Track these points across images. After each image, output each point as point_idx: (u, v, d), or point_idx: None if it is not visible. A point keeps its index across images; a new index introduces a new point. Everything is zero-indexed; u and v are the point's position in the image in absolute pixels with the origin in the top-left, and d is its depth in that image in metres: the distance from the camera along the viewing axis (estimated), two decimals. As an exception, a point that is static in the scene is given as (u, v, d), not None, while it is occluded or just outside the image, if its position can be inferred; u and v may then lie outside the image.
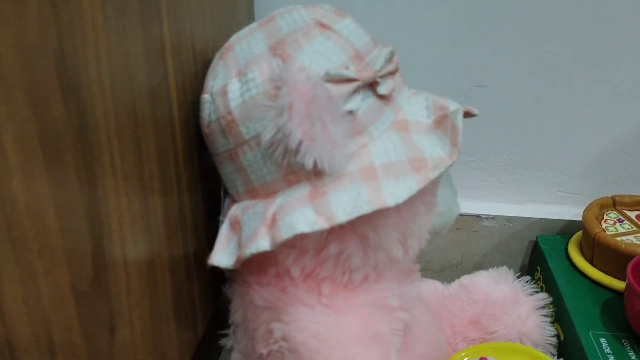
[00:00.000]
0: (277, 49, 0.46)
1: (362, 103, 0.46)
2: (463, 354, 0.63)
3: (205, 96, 0.48)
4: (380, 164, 0.44)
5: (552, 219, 0.83)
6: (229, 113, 0.46)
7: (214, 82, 0.48)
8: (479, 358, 0.61)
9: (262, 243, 0.43)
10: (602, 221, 0.75)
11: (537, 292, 0.69)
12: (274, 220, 0.44)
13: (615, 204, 0.79)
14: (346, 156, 0.44)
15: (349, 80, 0.44)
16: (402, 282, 0.52)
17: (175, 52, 0.44)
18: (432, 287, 0.73)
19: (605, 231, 0.72)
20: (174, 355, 0.48)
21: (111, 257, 0.36)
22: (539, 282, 0.78)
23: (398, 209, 0.46)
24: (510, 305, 0.67)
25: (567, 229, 0.82)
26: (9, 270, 0.26)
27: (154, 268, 0.42)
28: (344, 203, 0.42)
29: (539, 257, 0.79)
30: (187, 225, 0.49)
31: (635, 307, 0.59)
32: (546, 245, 0.79)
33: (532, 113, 0.79)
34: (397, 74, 0.50)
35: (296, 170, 0.44)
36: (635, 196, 0.79)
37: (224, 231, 0.49)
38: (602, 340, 0.62)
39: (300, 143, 0.42)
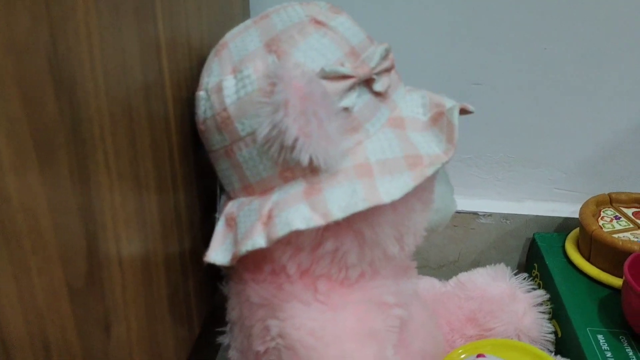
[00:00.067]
0: (272, 46, 0.45)
1: (357, 100, 0.46)
2: (460, 350, 0.63)
3: (201, 93, 0.48)
4: (376, 160, 0.44)
5: (549, 216, 0.83)
6: (225, 110, 0.46)
7: (209, 79, 0.47)
8: (476, 355, 0.61)
9: (257, 240, 0.43)
10: (599, 218, 0.76)
11: (534, 289, 0.69)
12: (269, 217, 0.44)
13: (612, 201, 0.79)
14: (342, 153, 0.44)
15: (345, 77, 0.44)
16: (399, 279, 0.52)
17: (170, 49, 0.44)
18: (429, 284, 0.73)
19: (602, 228, 0.72)
20: (170, 353, 0.48)
21: (106, 254, 0.35)
22: (536, 279, 0.78)
23: (394, 205, 0.46)
24: (508, 302, 0.67)
25: (564, 226, 0.83)
26: (2, 268, 0.26)
27: (149, 265, 0.42)
28: (339, 200, 0.42)
29: (536, 254, 0.79)
30: (183, 223, 0.49)
31: (633, 303, 0.59)
32: (543, 243, 0.79)
33: (529, 110, 0.79)
34: (393, 71, 0.50)
35: (292, 166, 0.44)
36: (632, 193, 0.79)
37: (219, 228, 0.49)
38: (600, 337, 0.62)
39: (295, 139, 0.42)
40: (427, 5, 0.74)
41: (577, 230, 0.78)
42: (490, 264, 0.73)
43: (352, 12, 0.51)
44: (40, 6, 0.27)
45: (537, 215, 0.83)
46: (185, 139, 0.49)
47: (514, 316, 0.66)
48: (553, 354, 0.66)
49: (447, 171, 0.57)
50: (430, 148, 0.46)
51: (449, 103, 0.48)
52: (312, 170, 0.44)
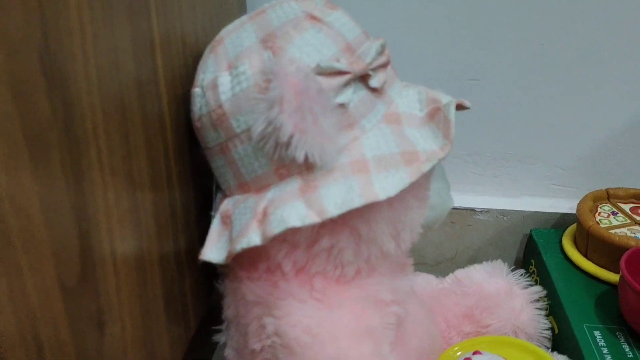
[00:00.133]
0: (267, 42, 0.45)
1: (353, 96, 0.45)
2: (456, 347, 0.63)
3: (196, 90, 0.48)
4: (372, 156, 0.44)
5: (547, 212, 0.83)
6: (220, 106, 0.45)
7: (204, 75, 0.47)
8: (472, 352, 0.61)
9: (253, 238, 0.43)
10: (596, 214, 0.75)
11: (531, 285, 0.69)
12: (265, 215, 0.44)
13: (609, 196, 0.79)
14: (337, 149, 0.44)
15: (340, 72, 0.44)
16: (395, 276, 0.52)
17: (164, 45, 0.44)
18: (426, 281, 0.73)
19: (599, 224, 0.72)
20: (165, 352, 0.48)
21: (99, 252, 0.35)
22: (533, 275, 0.78)
23: (390, 202, 0.46)
24: (505, 298, 0.67)
25: (562, 222, 0.82)
26: (-7, 267, 0.26)
27: (143, 264, 0.42)
28: (335, 196, 0.42)
29: (533, 250, 0.79)
30: (178, 221, 0.49)
31: (629, 300, 0.59)
32: (540, 239, 0.79)
33: (526, 106, 0.79)
34: (389, 67, 0.49)
35: (287, 163, 0.44)
36: (629, 189, 0.79)
37: (215, 226, 0.49)
38: (597, 333, 0.62)
39: (291, 136, 0.41)
40: (424, 1, 0.74)
41: (574, 226, 0.78)
42: (487, 260, 0.73)
43: (348, 8, 0.51)
44: (32, 3, 0.27)
45: (534, 211, 0.83)
46: (180, 137, 0.48)
47: (510, 313, 0.66)
48: (550, 350, 0.66)
49: (443, 167, 0.57)
50: (427, 144, 0.46)
51: (445, 99, 0.48)
52: (308, 167, 0.44)
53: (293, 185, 0.44)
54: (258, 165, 0.46)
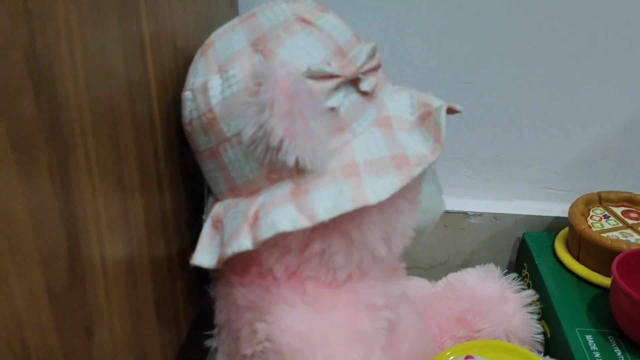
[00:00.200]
0: (258, 45, 0.45)
1: (344, 100, 0.45)
2: (449, 352, 0.63)
3: (187, 93, 0.47)
4: (363, 161, 0.44)
5: (539, 216, 0.83)
6: (210, 110, 0.45)
7: (194, 78, 0.47)
8: (464, 356, 0.61)
9: (243, 242, 0.43)
10: (588, 217, 0.75)
11: (523, 289, 0.69)
12: (255, 219, 0.44)
13: (601, 200, 0.79)
14: (328, 153, 0.44)
15: (331, 76, 0.44)
16: (387, 280, 0.52)
17: (155, 47, 0.44)
18: (419, 285, 0.73)
19: (591, 227, 0.72)
20: (156, 357, 0.47)
21: (88, 257, 0.35)
22: (526, 279, 0.78)
23: (381, 206, 0.46)
24: (497, 302, 0.67)
25: (554, 225, 0.83)
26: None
27: (134, 268, 0.42)
28: (326, 201, 0.42)
29: (525, 254, 0.79)
30: (169, 225, 0.48)
31: (621, 303, 0.59)
32: (533, 242, 0.79)
33: (519, 110, 0.79)
34: (380, 70, 0.49)
35: (278, 167, 0.44)
36: (621, 192, 0.79)
37: (206, 230, 0.49)
38: (588, 337, 0.62)
39: (281, 140, 0.41)
40: (416, 4, 0.74)
41: (566, 229, 0.78)
42: (480, 264, 0.73)
43: (340, 11, 0.51)
44: (17, 3, 0.27)
45: (527, 215, 0.83)
46: (171, 140, 0.48)
47: (503, 317, 0.66)
48: (542, 354, 0.66)
49: (436, 171, 0.57)
50: (418, 148, 0.46)
51: (436, 102, 0.48)
52: (299, 171, 0.44)
53: (284, 189, 0.44)
54: (249, 169, 0.45)
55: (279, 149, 0.42)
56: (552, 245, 0.77)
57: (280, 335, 0.45)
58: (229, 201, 0.48)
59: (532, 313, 0.68)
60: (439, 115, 0.46)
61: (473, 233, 0.85)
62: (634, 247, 0.65)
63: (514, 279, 0.70)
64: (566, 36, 0.74)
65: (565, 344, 0.62)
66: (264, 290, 0.48)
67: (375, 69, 0.48)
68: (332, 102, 0.44)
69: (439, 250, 0.87)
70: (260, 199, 0.45)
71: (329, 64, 0.44)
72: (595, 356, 0.59)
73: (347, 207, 0.41)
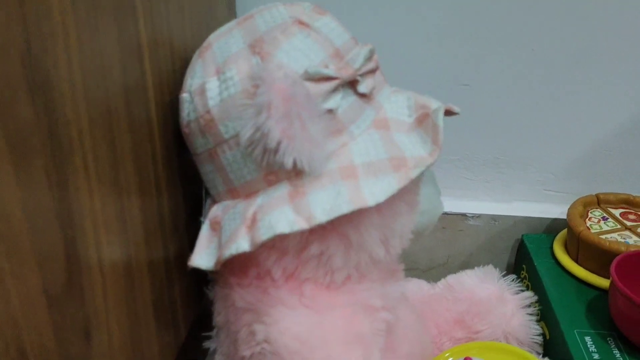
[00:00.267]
0: (255, 47, 0.45)
1: (342, 102, 0.45)
2: (447, 354, 0.63)
3: (184, 95, 0.47)
4: (361, 162, 0.44)
5: (538, 217, 0.83)
6: (208, 112, 0.45)
7: (192, 80, 0.47)
8: (463, 358, 0.61)
9: (241, 244, 0.43)
10: (587, 219, 0.75)
11: (522, 290, 0.69)
12: (253, 221, 0.44)
13: (599, 201, 0.79)
14: (326, 155, 0.44)
15: (329, 78, 0.44)
16: (385, 282, 0.52)
17: (152, 49, 0.44)
18: (417, 287, 0.73)
19: (589, 229, 0.72)
20: (155, 359, 0.47)
21: (85, 259, 0.35)
22: (524, 280, 0.78)
23: (379, 208, 0.46)
24: (496, 304, 0.67)
25: (553, 227, 0.83)
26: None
27: (131, 270, 0.42)
28: (323, 203, 0.42)
29: (524, 255, 0.79)
30: (167, 227, 0.48)
31: (620, 305, 0.59)
32: (532, 244, 0.79)
33: (517, 112, 0.79)
34: (378, 72, 0.49)
35: (276, 169, 0.44)
36: (619, 194, 0.79)
37: (204, 232, 0.49)
38: (587, 338, 0.62)
39: (279, 142, 0.41)
40: (414, 6, 0.74)
41: (565, 231, 0.78)
42: (479, 265, 0.73)
43: (338, 13, 0.51)
44: (13, 5, 0.27)
45: (526, 217, 0.83)
46: (169, 142, 0.48)
47: (502, 318, 0.66)
48: (541, 356, 0.66)
49: (434, 172, 0.57)
50: (416, 150, 0.46)
51: (434, 104, 0.48)
52: (297, 173, 0.44)
53: (282, 191, 0.44)
54: (247, 171, 0.45)
55: (276, 150, 0.42)
56: (551, 247, 0.77)
57: (278, 336, 0.45)
58: (227, 203, 0.48)
59: (531, 314, 0.68)
60: (436, 117, 0.46)
61: (472, 235, 0.85)
62: (632, 249, 0.65)
63: (513, 280, 0.70)
64: (564, 39, 0.74)
65: (564, 345, 0.62)
66: (262, 292, 0.48)
67: (373, 71, 0.48)
68: (330, 104, 0.44)
69: (438, 252, 0.87)
70: (258, 200, 0.45)
71: (326, 66, 0.45)
72: (594, 357, 0.59)
73: (345, 209, 0.41)
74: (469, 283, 0.70)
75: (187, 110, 0.47)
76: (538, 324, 0.68)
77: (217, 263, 0.45)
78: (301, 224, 0.41)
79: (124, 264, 0.40)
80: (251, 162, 0.45)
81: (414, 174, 0.44)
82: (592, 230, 0.72)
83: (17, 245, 0.28)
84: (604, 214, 0.77)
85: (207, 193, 0.52)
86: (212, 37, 0.49)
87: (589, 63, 0.76)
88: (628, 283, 0.58)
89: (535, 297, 0.70)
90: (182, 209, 0.52)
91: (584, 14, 0.73)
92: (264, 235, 0.42)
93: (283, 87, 0.41)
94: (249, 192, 0.46)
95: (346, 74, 0.45)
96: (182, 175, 0.51)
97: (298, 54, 0.44)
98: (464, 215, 0.84)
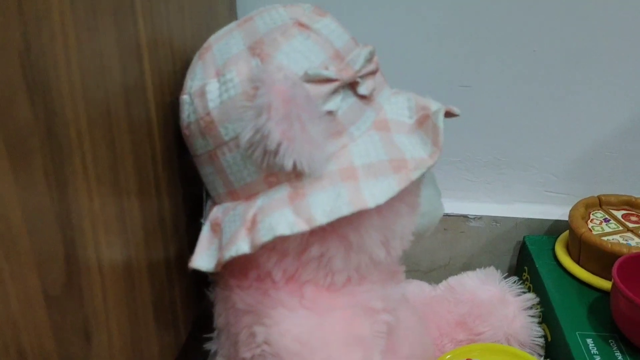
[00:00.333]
0: (255, 49, 0.45)
1: (342, 103, 0.45)
2: (448, 356, 0.63)
3: (184, 97, 0.47)
4: (361, 164, 0.44)
5: (539, 219, 0.83)
6: (208, 114, 0.45)
7: (192, 82, 0.47)
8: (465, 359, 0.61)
9: (241, 246, 0.43)
10: (589, 221, 0.75)
11: (524, 292, 0.69)
12: (253, 223, 0.44)
13: (601, 203, 0.79)
14: (326, 157, 0.44)
15: (329, 80, 0.44)
16: (386, 283, 0.52)
17: (152, 51, 0.44)
18: (419, 288, 0.73)
19: (591, 231, 0.71)
20: (155, 360, 0.47)
21: (85, 260, 0.35)
22: (526, 282, 0.77)
23: (379, 210, 0.45)
24: (497, 306, 0.67)
25: (555, 228, 0.82)
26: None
27: (131, 272, 0.42)
28: (323, 204, 0.42)
29: (526, 257, 0.79)
30: (167, 228, 0.48)
31: (622, 307, 0.59)
32: (533, 246, 0.79)
33: (518, 113, 0.79)
34: (378, 74, 0.49)
35: (276, 171, 0.44)
36: (621, 195, 0.79)
37: (204, 234, 0.49)
38: (589, 340, 0.62)
39: (279, 144, 0.41)
40: (414, 7, 0.74)
41: (566, 233, 0.78)
42: (481, 267, 0.73)
43: (338, 14, 0.51)
44: (11, 6, 0.27)
45: (527, 218, 0.83)
46: (169, 144, 0.48)
47: (503, 320, 0.66)
48: (542, 358, 0.66)
49: (434, 174, 0.57)
50: (416, 151, 0.46)
51: (434, 106, 0.48)
52: (297, 175, 0.44)
53: (282, 192, 0.44)
54: (247, 173, 0.45)
55: (276, 152, 0.42)
56: (553, 249, 0.77)
57: (278, 338, 0.45)
58: (228, 205, 0.48)
59: (532, 316, 0.68)
60: (437, 118, 0.46)
61: (473, 236, 0.85)
62: (634, 251, 0.65)
63: (515, 282, 0.70)
64: (565, 40, 0.74)
65: (565, 347, 0.62)
66: (263, 293, 0.48)
67: (373, 72, 0.48)
68: (330, 105, 0.44)
69: (439, 254, 0.86)
70: (259, 202, 0.45)
71: (326, 68, 0.44)
72: (596, 359, 0.59)
73: (345, 210, 0.41)
74: (471, 285, 0.69)
75: (187, 112, 0.47)
76: (540, 326, 0.68)
77: (217, 265, 0.45)
78: (301, 226, 0.41)
79: (124, 264, 0.40)
80: (251, 164, 0.44)
81: (414, 175, 0.44)
82: (594, 232, 0.72)
83: (16, 246, 0.28)
84: (606, 216, 0.77)
85: (208, 194, 0.52)
86: (212, 39, 0.49)
87: (590, 63, 0.75)
88: (630, 285, 0.58)
89: (537, 299, 0.69)
90: (182, 210, 0.52)
91: (585, 15, 0.73)
92: (264, 237, 0.42)
93: (283, 88, 0.41)
94: (249, 194, 0.46)
95: (346, 75, 0.45)
96: (182, 176, 0.51)
97: (298, 55, 0.44)
98: (465, 216, 0.84)
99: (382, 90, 0.49)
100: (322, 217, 0.41)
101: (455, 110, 0.48)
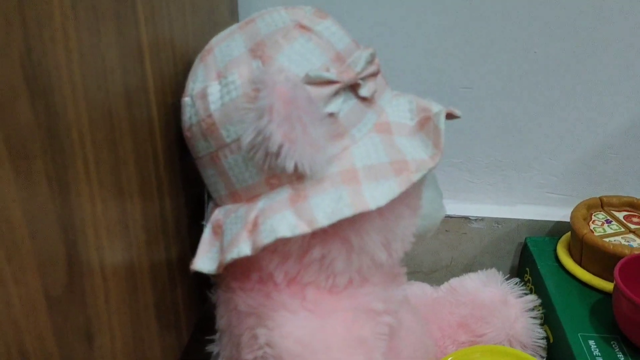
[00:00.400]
0: (257, 51, 0.45)
1: (343, 105, 0.45)
2: (450, 357, 0.62)
3: (186, 99, 0.47)
4: (362, 166, 0.44)
5: (541, 220, 0.83)
6: (209, 116, 0.45)
7: (194, 84, 0.47)
8: (466, 361, 0.61)
9: (243, 248, 0.43)
10: (590, 222, 0.75)
11: (526, 294, 0.69)
12: (255, 225, 0.44)
13: (603, 204, 0.79)
14: (327, 159, 0.44)
15: (330, 82, 0.44)
16: (387, 285, 0.52)
17: (153, 53, 0.44)
18: (420, 290, 0.73)
19: (593, 232, 0.71)
20: (157, 362, 0.47)
21: (87, 263, 0.35)
22: (528, 284, 0.77)
23: (381, 212, 0.45)
24: (499, 307, 0.67)
25: (556, 230, 0.82)
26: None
27: (133, 274, 0.42)
28: (325, 206, 0.42)
29: (528, 258, 0.79)
30: (169, 230, 0.48)
31: (624, 308, 0.59)
32: (535, 247, 0.79)
33: (519, 114, 0.79)
34: (379, 76, 0.49)
35: (278, 173, 0.44)
36: (623, 197, 0.79)
37: (206, 236, 0.49)
38: (591, 342, 0.61)
39: (280, 146, 0.41)
40: (416, 9, 0.74)
41: (568, 234, 0.78)
42: (482, 268, 0.73)
43: (339, 16, 0.51)
44: (12, 9, 0.27)
45: (529, 219, 0.83)
46: (170, 146, 0.48)
47: (505, 321, 0.66)
48: (544, 359, 0.66)
49: (436, 176, 0.57)
50: (417, 153, 0.46)
51: (435, 108, 0.48)
52: (298, 177, 0.44)
53: (283, 194, 0.44)
54: (248, 174, 0.45)
55: (278, 154, 0.42)
56: (554, 250, 0.77)
57: (280, 341, 0.45)
58: (229, 206, 0.48)
59: (534, 318, 0.68)
60: (438, 120, 0.46)
61: (475, 238, 0.85)
62: (636, 252, 0.65)
63: (516, 283, 0.70)
64: (566, 41, 0.74)
65: (567, 349, 0.62)
66: (265, 296, 0.48)
67: (374, 74, 0.48)
68: (331, 107, 0.44)
69: (441, 255, 0.86)
70: (260, 204, 0.45)
71: (327, 70, 0.44)
72: (598, 361, 0.59)
73: (347, 212, 0.41)
74: (473, 286, 0.69)
75: (189, 114, 0.47)
76: (542, 328, 0.68)
77: (219, 267, 0.45)
78: (303, 228, 0.41)
79: (126, 266, 0.40)
80: (252, 165, 0.45)
81: (415, 177, 0.44)
82: (596, 233, 0.72)
83: (18, 247, 0.28)
84: (608, 217, 0.76)
85: (209, 196, 0.52)
86: (214, 41, 0.49)
87: (592, 66, 0.75)
88: (632, 286, 0.58)
89: (539, 301, 0.69)
90: (183, 212, 0.52)
91: (585, 15, 0.73)
92: (265, 239, 0.42)
93: (284, 90, 0.41)
94: (250, 196, 0.46)
95: (347, 77, 0.45)
96: (184, 178, 0.52)
97: (299, 57, 0.45)
98: (466, 218, 0.83)
99: (383, 92, 0.49)
100: (323, 219, 0.41)
101: (457, 112, 0.48)
